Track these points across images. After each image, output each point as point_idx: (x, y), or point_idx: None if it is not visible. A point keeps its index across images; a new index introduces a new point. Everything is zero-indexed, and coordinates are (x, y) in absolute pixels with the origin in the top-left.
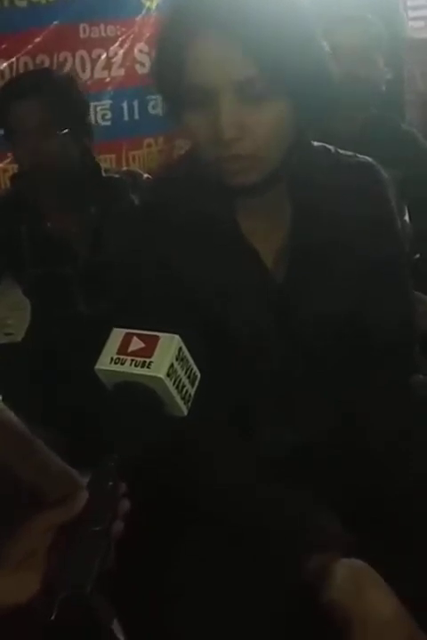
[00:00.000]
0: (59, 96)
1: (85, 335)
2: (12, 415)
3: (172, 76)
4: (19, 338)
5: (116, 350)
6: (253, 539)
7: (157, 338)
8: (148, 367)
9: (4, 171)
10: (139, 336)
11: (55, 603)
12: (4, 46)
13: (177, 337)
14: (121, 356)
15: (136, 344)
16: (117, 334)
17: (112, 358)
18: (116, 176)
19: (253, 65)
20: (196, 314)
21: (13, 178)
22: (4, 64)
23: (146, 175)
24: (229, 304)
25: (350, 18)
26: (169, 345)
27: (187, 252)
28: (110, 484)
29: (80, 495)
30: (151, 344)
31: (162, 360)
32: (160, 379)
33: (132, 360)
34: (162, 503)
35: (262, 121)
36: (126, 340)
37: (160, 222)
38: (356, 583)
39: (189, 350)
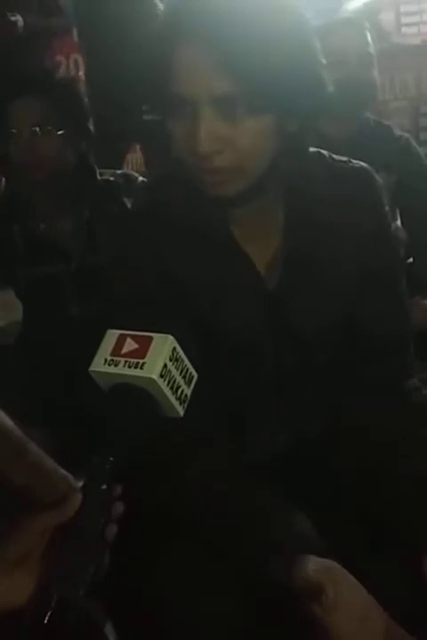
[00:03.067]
0: (58, 96)
1: (78, 337)
2: (4, 416)
3: (156, 82)
4: (11, 340)
5: (109, 351)
6: (226, 541)
7: (150, 339)
8: (141, 368)
9: None
10: (133, 337)
11: (48, 605)
12: None
13: (171, 337)
14: (115, 358)
15: (130, 345)
16: (112, 335)
17: (106, 360)
18: (111, 178)
19: (234, 82)
20: (190, 317)
21: (8, 178)
22: None
23: (141, 178)
24: (223, 308)
25: (348, 20)
26: (162, 345)
27: (181, 255)
28: (104, 487)
29: (74, 498)
30: (145, 345)
31: (155, 361)
32: (153, 380)
33: (126, 361)
34: (150, 503)
35: (243, 136)
36: (120, 342)
37: (154, 226)
38: (325, 581)
39: (184, 352)
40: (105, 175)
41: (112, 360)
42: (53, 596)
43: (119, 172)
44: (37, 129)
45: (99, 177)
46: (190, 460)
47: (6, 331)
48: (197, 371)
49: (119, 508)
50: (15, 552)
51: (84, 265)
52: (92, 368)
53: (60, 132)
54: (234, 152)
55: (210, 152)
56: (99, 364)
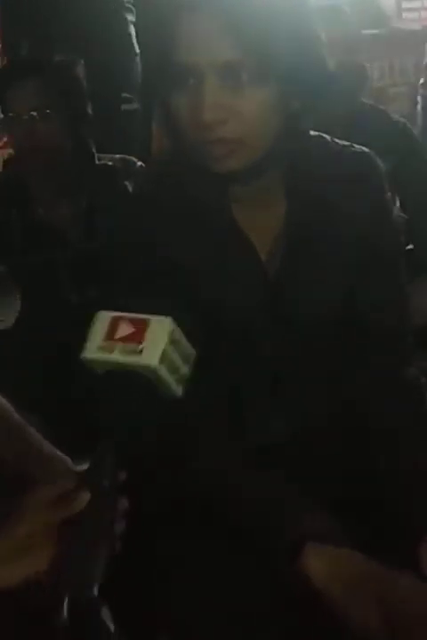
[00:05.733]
0: (57, 80)
1: (76, 323)
2: (4, 401)
3: (159, 55)
4: (8, 325)
5: (103, 336)
6: (232, 524)
7: (147, 321)
8: (139, 354)
9: None
10: (127, 320)
11: (63, 603)
12: None
13: (168, 319)
14: (109, 343)
15: (125, 329)
16: (104, 318)
17: (99, 345)
18: (110, 163)
19: (237, 49)
20: (190, 300)
21: (6, 163)
22: None
23: (139, 163)
24: (223, 292)
25: (335, 7)
26: (161, 329)
27: (181, 239)
28: (107, 483)
29: (81, 494)
30: (141, 328)
31: (154, 346)
32: (153, 367)
33: (122, 347)
34: (150, 490)
35: (248, 105)
36: (114, 325)
37: (155, 210)
38: (331, 569)
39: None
40: (103, 159)
41: (106, 346)
42: (65, 593)
43: (118, 156)
44: (35, 113)
45: (97, 161)
46: (190, 447)
47: (4, 316)
48: (195, 348)
49: (124, 503)
50: (18, 533)
51: (82, 250)
52: (84, 355)
53: (58, 116)
54: (238, 122)
55: (214, 121)
56: (92, 350)
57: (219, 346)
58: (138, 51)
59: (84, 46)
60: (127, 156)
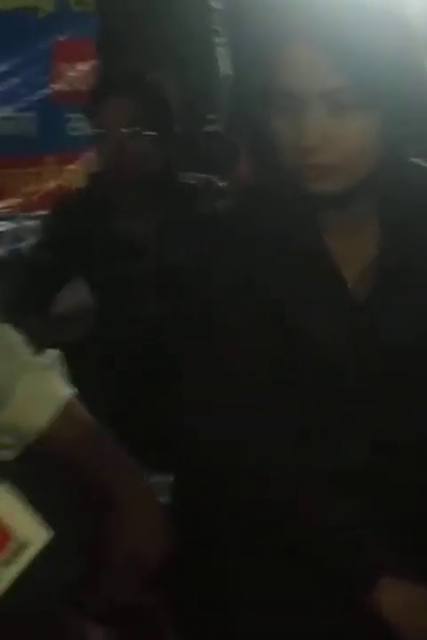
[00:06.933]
0: (148, 98)
1: (152, 335)
2: (85, 411)
3: (259, 79)
4: (79, 336)
5: None
6: (306, 552)
7: None
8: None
9: (75, 172)
10: None
11: None
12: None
13: None
14: None
15: None
16: None
17: None
18: (192, 182)
19: (343, 75)
20: (271, 326)
21: (92, 177)
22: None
23: (221, 183)
24: (309, 321)
25: None
26: None
27: (267, 265)
28: None
29: None
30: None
31: None
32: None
33: None
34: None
35: (349, 132)
36: None
37: (241, 234)
38: (406, 604)
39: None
40: (187, 178)
41: None
42: None
43: (202, 176)
44: (125, 131)
45: (181, 180)
46: (265, 473)
47: (82, 327)
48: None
49: None
50: None
51: (160, 265)
52: None
53: (147, 135)
54: (338, 148)
55: (315, 147)
56: None
57: (302, 372)
58: (223, 74)
59: (173, 66)
60: (210, 176)
